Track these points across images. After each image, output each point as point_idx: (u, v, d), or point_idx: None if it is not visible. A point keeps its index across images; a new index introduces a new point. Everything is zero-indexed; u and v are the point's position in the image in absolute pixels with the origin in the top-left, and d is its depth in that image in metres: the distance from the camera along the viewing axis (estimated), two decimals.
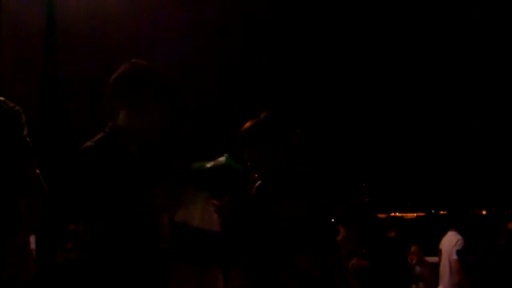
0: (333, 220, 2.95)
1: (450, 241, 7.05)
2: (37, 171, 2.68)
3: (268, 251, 2.71)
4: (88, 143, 2.51)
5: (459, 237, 6.97)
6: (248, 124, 2.88)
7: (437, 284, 7.28)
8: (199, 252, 2.59)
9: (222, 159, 2.73)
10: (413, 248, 7.43)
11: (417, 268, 7.35)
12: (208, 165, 2.71)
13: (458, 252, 6.84)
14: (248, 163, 2.86)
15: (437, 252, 7.40)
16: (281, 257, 2.69)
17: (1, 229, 2.56)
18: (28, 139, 2.65)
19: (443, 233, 7.42)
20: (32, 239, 3.79)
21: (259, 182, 2.83)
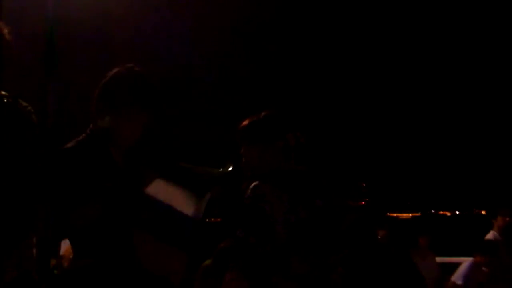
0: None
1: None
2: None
3: (264, 253, 2.71)
4: (69, 144, 2.53)
5: (491, 237, 6.82)
6: (247, 121, 2.89)
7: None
8: (163, 227, 2.55)
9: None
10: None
11: None
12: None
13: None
14: (243, 159, 2.86)
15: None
16: (277, 259, 2.69)
17: (20, 227, 2.60)
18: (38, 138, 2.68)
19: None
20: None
21: (254, 183, 2.83)
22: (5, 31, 2.69)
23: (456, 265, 7.57)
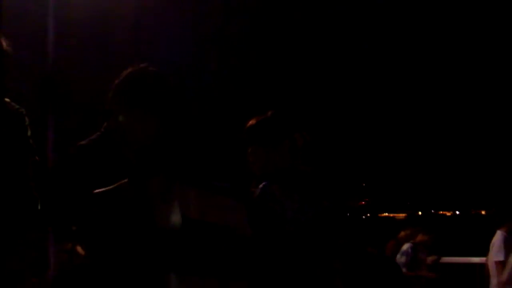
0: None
1: (493, 241, 6.78)
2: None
3: (273, 254, 2.70)
4: (82, 142, 2.54)
5: (499, 237, 6.71)
6: (253, 121, 2.88)
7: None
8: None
9: None
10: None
11: None
12: None
13: None
14: (251, 159, 2.86)
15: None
16: (286, 260, 2.69)
17: (17, 223, 2.60)
18: (31, 140, 2.68)
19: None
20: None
21: (263, 183, 2.82)
22: (4, 42, 2.70)
23: (457, 265, 7.56)
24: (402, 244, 7.26)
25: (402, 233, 7.37)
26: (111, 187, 2.40)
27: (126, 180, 2.42)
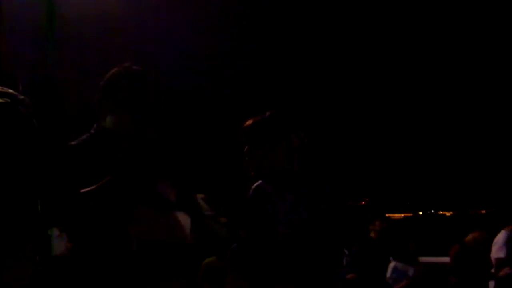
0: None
1: (496, 239, 6.77)
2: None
3: (266, 254, 2.70)
4: (72, 142, 2.54)
5: (502, 235, 6.70)
6: (250, 121, 2.89)
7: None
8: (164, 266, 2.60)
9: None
10: None
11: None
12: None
13: None
14: (246, 158, 2.86)
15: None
16: (278, 260, 2.68)
17: (25, 229, 2.60)
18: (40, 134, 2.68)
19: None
20: None
21: (256, 183, 2.83)
22: None
23: None
24: (469, 249, 6.89)
25: (470, 236, 7.04)
26: (95, 186, 2.41)
27: (108, 178, 2.42)
